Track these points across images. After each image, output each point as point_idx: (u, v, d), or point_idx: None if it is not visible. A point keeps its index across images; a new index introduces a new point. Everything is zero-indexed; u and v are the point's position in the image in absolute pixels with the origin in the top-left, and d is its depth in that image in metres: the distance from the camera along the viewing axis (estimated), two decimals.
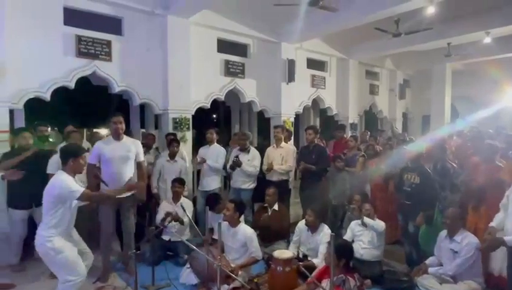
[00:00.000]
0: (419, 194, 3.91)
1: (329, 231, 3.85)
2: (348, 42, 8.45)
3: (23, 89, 4.37)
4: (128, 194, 3.64)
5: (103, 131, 8.88)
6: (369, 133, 7.08)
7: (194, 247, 2.80)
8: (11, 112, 4.55)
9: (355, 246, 3.80)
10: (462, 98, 11.34)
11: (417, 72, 11.36)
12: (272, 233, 4.42)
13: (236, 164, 4.83)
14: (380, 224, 3.81)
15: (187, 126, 5.78)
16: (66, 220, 2.81)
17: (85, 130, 8.42)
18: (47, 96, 4.59)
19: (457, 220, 3.40)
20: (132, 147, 3.66)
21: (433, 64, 9.93)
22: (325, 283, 2.77)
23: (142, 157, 3.79)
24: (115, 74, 5.15)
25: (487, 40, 7.18)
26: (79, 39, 4.79)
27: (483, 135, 6.51)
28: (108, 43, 5.04)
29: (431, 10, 5.31)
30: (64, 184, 2.70)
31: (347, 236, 3.90)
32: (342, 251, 2.79)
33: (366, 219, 3.79)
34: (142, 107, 6.27)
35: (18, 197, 3.75)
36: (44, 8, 4.51)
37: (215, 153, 5.09)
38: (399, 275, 3.72)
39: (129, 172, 3.63)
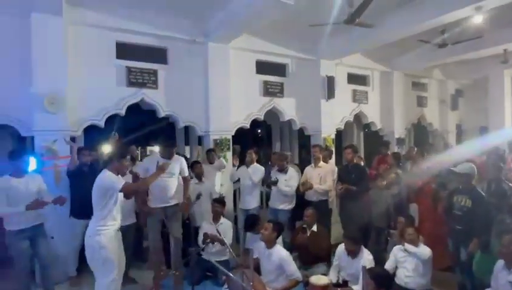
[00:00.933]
0: (472, 219, 3.59)
1: (371, 256, 3.69)
2: (391, 54, 8.18)
3: (81, 118, 4.87)
4: (173, 203, 4.08)
5: (155, 148, 9.53)
6: (415, 149, 6.70)
7: (225, 270, 2.85)
8: (72, 139, 5.07)
9: (398, 273, 3.59)
10: None
11: (470, 81, 10.58)
12: (311, 255, 4.34)
13: (273, 182, 4.89)
14: (424, 251, 3.53)
15: (227, 146, 5.97)
16: (113, 214, 3.18)
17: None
18: (101, 124, 5.05)
19: None
20: (176, 165, 4.09)
21: (488, 72, 9.20)
22: None
23: (186, 173, 4.25)
24: (161, 100, 5.52)
25: None
26: (129, 70, 5.24)
27: None
28: (155, 72, 5.45)
29: (478, 19, 4.99)
30: (108, 178, 3.12)
31: (390, 262, 3.68)
32: (381, 280, 2.65)
33: (408, 246, 3.54)
34: (187, 127, 6.62)
35: (79, 207, 4.10)
36: (99, 45, 5.02)
37: (254, 172, 5.20)
38: None
39: (173, 186, 4.06)
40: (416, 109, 9.61)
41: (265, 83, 6.65)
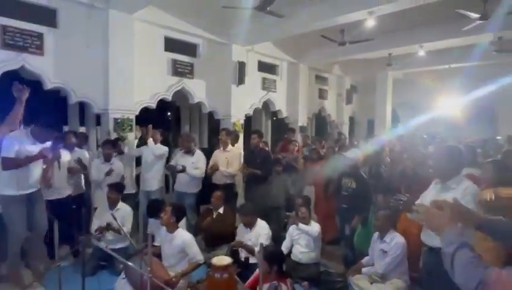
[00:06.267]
0: (355, 198, 4.12)
1: (267, 230, 3.95)
2: (299, 48, 8.67)
3: None
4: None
5: None
6: (309, 136, 7.34)
7: (121, 258, 2.65)
8: None
9: (293, 250, 3.90)
10: (403, 104, 12.19)
11: (363, 78, 11.98)
12: (216, 237, 4.39)
13: (179, 171, 4.74)
14: (314, 229, 3.91)
15: (130, 127, 5.51)
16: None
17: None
18: None
19: (387, 222, 3.62)
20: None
21: (376, 72, 10.56)
22: None
23: None
24: (48, 69, 4.75)
25: (421, 52, 7.80)
26: (4, 29, 4.34)
27: (417, 141, 7.08)
28: (40, 36, 4.64)
29: (371, 23, 5.63)
30: None
31: (286, 241, 3.97)
32: (272, 257, 2.82)
33: (301, 225, 3.89)
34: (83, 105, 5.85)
35: None
36: None
37: (157, 148, 5.01)
38: (335, 275, 3.88)
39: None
40: (318, 100, 10.48)
41: (174, 61, 6.32)
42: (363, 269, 3.64)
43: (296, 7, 5.73)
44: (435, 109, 10.58)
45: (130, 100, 5.55)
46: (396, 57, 8.70)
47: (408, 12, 5.48)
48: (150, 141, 4.97)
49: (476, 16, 5.16)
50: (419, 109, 10.70)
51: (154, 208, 4.24)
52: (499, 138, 9.17)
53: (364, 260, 3.77)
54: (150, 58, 5.94)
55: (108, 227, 3.86)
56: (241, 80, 7.23)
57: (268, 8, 4.88)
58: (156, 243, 3.91)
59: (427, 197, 2.68)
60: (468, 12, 5.13)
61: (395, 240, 3.49)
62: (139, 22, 5.64)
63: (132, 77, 5.52)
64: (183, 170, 4.76)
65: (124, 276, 3.49)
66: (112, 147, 4.70)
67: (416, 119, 9.84)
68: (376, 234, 3.69)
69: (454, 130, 9.84)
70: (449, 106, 10.62)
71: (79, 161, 4.47)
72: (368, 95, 11.82)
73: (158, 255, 3.62)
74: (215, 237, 4.39)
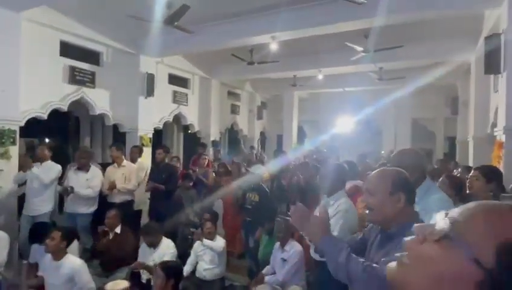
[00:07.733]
0: (259, 211, 4.30)
1: (173, 249, 3.81)
2: (211, 63, 8.81)
3: None
4: None
5: None
6: (221, 151, 7.47)
7: None
8: None
9: (198, 266, 3.85)
10: (309, 121, 13.32)
11: (272, 96, 12.75)
12: (114, 259, 4.06)
13: (66, 192, 4.31)
14: (218, 244, 3.93)
15: (11, 140, 4.77)
16: None
17: None
18: None
19: (287, 232, 3.87)
20: None
21: (283, 91, 11.35)
22: None
23: None
24: None
25: (320, 76, 8.72)
26: None
27: (320, 155, 7.79)
28: None
29: (274, 46, 6.09)
30: None
31: (191, 257, 3.90)
32: (170, 270, 2.74)
33: (206, 241, 3.88)
34: None
35: None
36: None
37: (46, 171, 4.41)
38: (239, 288, 3.95)
39: None
40: (230, 115, 10.74)
41: (72, 68, 5.77)
42: (266, 278, 3.79)
43: (205, 25, 5.83)
44: (334, 126, 11.84)
45: (13, 109, 4.82)
46: (300, 79, 9.52)
47: (308, 41, 6.09)
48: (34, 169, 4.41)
49: (360, 48, 6.03)
50: (322, 126, 11.84)
51: (38, 233, 3.74)
52: (382, 152, 10.70)
53: (265, 269, 3.93)
54: (42, 63, 5.31)
55: None
56: (149, 92, 6.97)
57: (176, 23, 4.87)
58: (39, 273, 3.44)
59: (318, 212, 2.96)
60: (354, 45, 5.95)
61: (294, 249, 3.74)
62: (29, 22, 5.02)
63: (17, 83, 4.82)
64: (71, 191, 4.35)
65: None
66: None
67: (320, 135, 10.87)
68: (277, 244, 3.90)
69: (348, 144, 11.14)
70: (345, 123, 12.02)
71: None
72: (277, 111, 12.59)
73: (41, 287, 3.19)
74: (113, 260, 4.06)
